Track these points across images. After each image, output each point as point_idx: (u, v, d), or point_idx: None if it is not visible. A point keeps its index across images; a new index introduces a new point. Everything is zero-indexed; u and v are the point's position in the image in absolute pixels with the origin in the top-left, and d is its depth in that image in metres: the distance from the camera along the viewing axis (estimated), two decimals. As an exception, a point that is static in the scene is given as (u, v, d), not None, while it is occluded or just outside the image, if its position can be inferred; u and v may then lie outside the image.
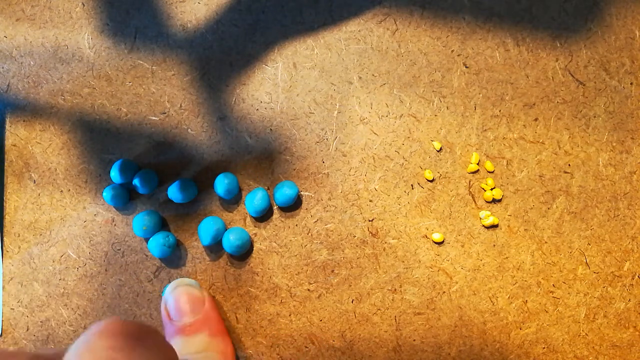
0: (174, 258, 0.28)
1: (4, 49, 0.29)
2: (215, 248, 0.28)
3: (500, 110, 0.29)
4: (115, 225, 0.29)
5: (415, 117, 0.29)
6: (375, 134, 0.29)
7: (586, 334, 0.29)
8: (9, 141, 0.29)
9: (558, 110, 0.29)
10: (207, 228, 0.27)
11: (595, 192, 0.29)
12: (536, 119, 0.29)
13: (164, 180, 0.29)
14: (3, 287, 0.28)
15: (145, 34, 0.29)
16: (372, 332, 0.28)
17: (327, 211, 0.29)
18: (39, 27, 0.29)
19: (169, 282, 0.28)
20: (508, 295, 0.29)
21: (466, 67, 0.29)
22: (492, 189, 0.29)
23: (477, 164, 0.29)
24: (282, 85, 0.29)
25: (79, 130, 0.29)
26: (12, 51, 0.29)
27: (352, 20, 0.29)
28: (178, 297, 0.26)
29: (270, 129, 0.29)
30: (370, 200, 0.29)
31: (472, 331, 0.28)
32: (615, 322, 0.29)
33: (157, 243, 0.27)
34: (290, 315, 0.28)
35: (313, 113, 0.29)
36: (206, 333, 0.25)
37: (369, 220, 0.29)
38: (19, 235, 0.28)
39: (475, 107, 0.29)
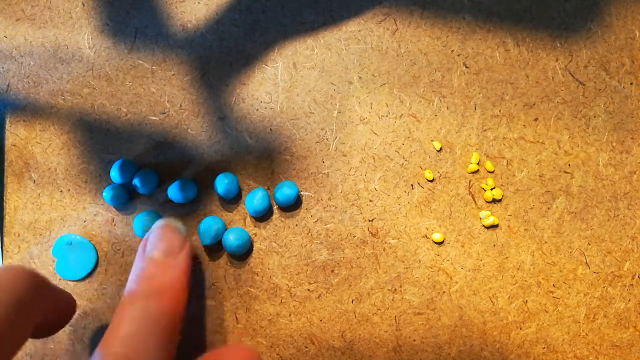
0: (174, 258, 0.28)
1: (4, 49, 0.29)
2: (215, 248, 0.28)
3: (500, 110, 0.29)
4: (115, 225, 0.29)
5: (415, 117, 0.29)
6: (375, 134, 0.29)
7: (586, 334, 0.29)
8: (9, 141, 0.29)
9: (558, 110, 0.29)
10: (207, 228, 0.27)
11: (595, 192, 0.29)
12: (536, 119, 0.29)
13: (164, 180, 0.29)
14: (3, 287, 0.28)
15: (145, 34, 0.29)
16: (372, 332, 0.28)
17: (327, 211, 0.29)
18: (39, 27, 0.29)
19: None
20: (508, 295, 0.29)
21: (466, 67, 0.29)
22: (492, 189, 0.29)
23: (477, 164, 0.29)
24: (282, 85, 0.29)
25: (79, 130, 0.29)
26: (12, 51, 0.29)
27: (352, 20, 0.29)
28: (161, 232, 0.24)
29: (270, 129, 0.29)
30: (370, 200, 0.29)
31: (472, 331, 0.28)
32: (615, 322, 0.29)
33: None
34: (290, 315, 0.28)
35: (313, 113, 0.29)
36: (171, 274, 0.23)
37: (369, 220, 0.29)
38: (19, 235, 0.28)
39: (475, 107, 0.29)
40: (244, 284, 0.28)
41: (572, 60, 0.30)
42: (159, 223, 0.25)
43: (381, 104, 0.29)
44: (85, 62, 0.29)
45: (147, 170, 0.28)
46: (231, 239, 0.27)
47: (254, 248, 0.29)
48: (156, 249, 0.24)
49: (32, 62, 0.29)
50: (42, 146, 0.29)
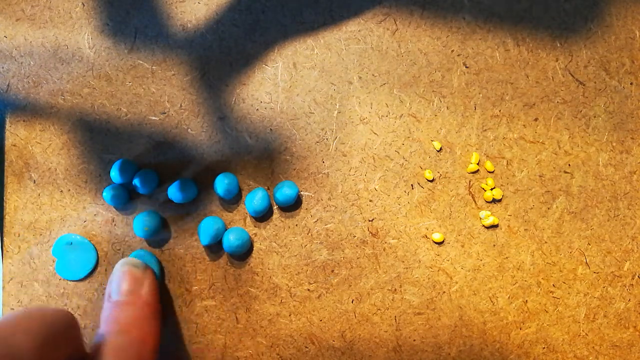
0: (173, 258, 0.28)
1: (4, 49, 0.29)
2: (215, 248, 0.28)
3: (500, 110, 0.29)
4: (115, 225, 0.29)
5: (415, 117, 0.29)
6: (375, 134, 0.29)
7: (586, 334, 0.29)
8: (9, 141, 0.29)
9: (558, 110, 0.29)
10: (207, 228, 0.27)
11: (595, 192, 0.29)
12: (536, 119, 0.29)
13: (164, 180, 0.29)
14: (3, 287, 0.28)
15: (145, 34, 0.29)
16: (372, 332, 0.28)
17: (327, 211, 0.29)
18: (39, 27, 0.29)
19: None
20: (508, 295, 0.29)
21: (466, 67, 0.29)
22: (492, 189, 0.29)
23: (477, 164, 0.29)
24: (282, 85, 0.29)
25: (79, 130, 0.29)
26: (12, 51, 0.29)
27: (352, 20, 0.29)
28: (121, 276, 0.26)
29: (270, 129, 0.29)
30: (370, 200, 0.29)
31: (472, 331, 0.28)
32: (615, 322, 0.29)
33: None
34: (290, 315, 0.28)
35: (313, 113, 0.29)
36: (134, 310, 0.25)
37: (369, 220, 0.29)
38: (19, 235, 0.28)
39: (475, 107, 0.29)
40: (244, 284, 0.28)
41: (572, 60, 0.30)
42: (118, 266, 0.26)
43: (381, 104, 0.29)
44: (85, 62, 0.29)
45: (147, 170, 0.28)
46: (231, 239, 0.27)
47: (254, 248, 0.29)
48: (117, 292, 0.25)
49: (32, 62, 0.29)
50: (42, 146, 0.29)
